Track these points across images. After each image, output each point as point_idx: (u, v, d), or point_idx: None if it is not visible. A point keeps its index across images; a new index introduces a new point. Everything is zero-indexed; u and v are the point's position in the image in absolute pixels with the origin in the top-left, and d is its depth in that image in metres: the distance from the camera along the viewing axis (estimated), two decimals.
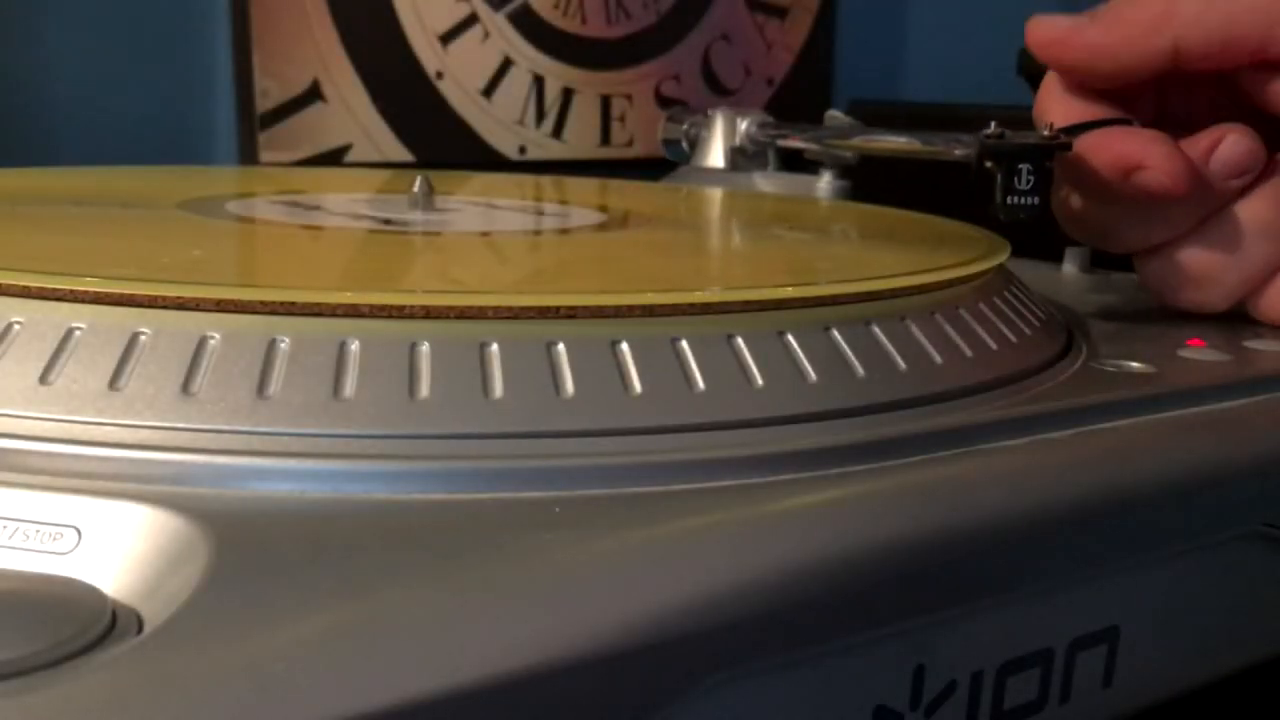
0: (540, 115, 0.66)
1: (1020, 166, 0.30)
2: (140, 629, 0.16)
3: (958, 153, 0.36)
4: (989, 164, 0.30)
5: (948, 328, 0.26)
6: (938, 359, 0.25)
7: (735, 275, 0.32)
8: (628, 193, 0.46)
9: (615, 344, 0.22)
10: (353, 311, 0.21)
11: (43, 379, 0.20)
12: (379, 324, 0.21)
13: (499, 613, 0.16)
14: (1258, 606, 0.26)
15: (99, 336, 0.20)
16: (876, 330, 0.24)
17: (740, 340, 0.22)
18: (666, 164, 0.57)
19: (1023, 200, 0.30)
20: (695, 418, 0.21)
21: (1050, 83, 0.34)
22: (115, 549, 0.17)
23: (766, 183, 0.53)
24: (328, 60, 0.60)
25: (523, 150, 0.66)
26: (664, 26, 0.68)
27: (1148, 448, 0.24)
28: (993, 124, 0.31)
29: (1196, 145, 0.31)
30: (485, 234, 0.34)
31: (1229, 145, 0.31)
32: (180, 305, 0.21)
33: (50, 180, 0.40)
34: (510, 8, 0.64)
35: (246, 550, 0.17)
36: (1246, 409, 0.27)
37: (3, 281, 0.21)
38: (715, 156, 0.54)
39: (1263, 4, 0.30)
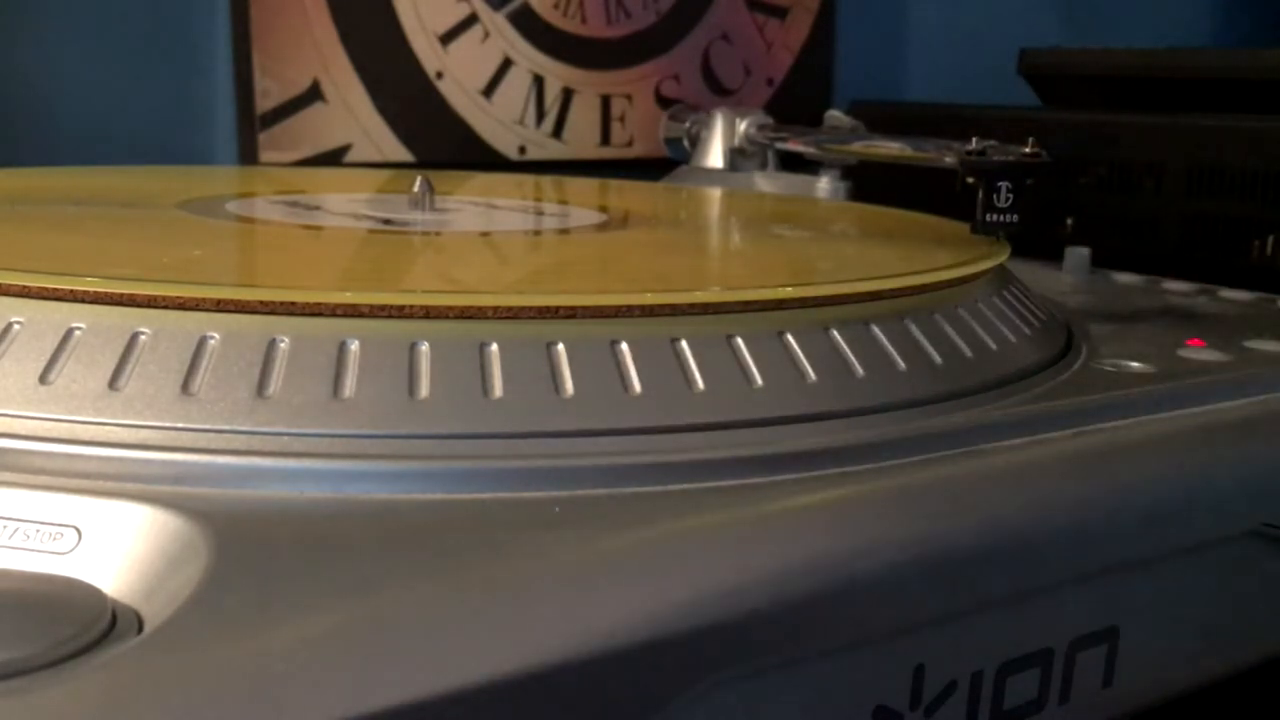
0: (540, 115, 0.66)
1: (1000, 184, 0.30)
2: (140, 629, 0.16)
3: (948, 160, 0.36)
4: (970, 180, 0.30)
5: (948, 328, 0.26)
6: (937, 359, 0.25)
7: (735, 275, 0.32)
8: (628, 193, 0.46)
9: (615, 344, 0.22)
10: (353, 311, 0.21)
11: (43, 379, 0.20)
12: (379, 324, 0.21)
13: (499, 613, 0.16)
14: (1258, 606, 0.26)
15: (99, 336, 0.20)
16: (876, 330, 0.24)
17: (740, 340, 0.22)
18: (666, 164, 0.57)
19: (1001, 218, 0.30)
20: (695, 418, 0.21)
21: None
22: (115, 549, 0.17)
23: (766, 183, 0.53)
24: (328, 60, 0.60)
25: (523, 150, 0.65)
26: (664, 26, 0.68)
27: (1148, 448, 0.24)
28: (974, 140, 0.31)
29: None
30: (485, 234, 0.34)
31: None
32: (180, 305, 0.21)
33: (50, 180, 0.40)
34: (510, 8, 0.64)
35: (246, 550, 0.17)
36: (1246, 409, 0.27)
37: (3, 281, 0.21)
38: (715, 157, 0.54)
39: None
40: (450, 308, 0.21)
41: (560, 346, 0.21)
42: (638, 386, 0.21)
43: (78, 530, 0.18)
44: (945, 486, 0.21)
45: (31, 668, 0.14)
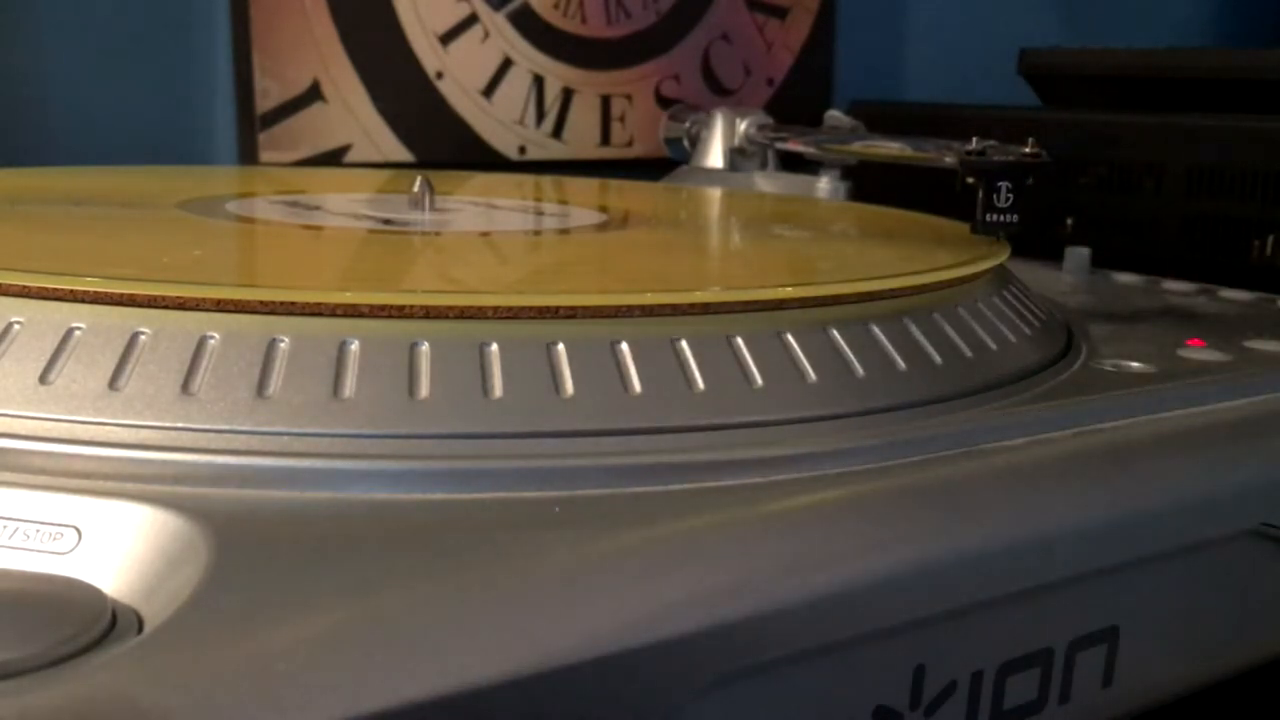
0: (540, 115, 0.66)
1: (1000, 184, 0.30)
2: (140, 629, 0.16)
3: (948, 160, 0.36)
4: (970, 180, 0.30)
5: (947, 328, 0.26)
6: (937, 359, 0.25)
7: (735, 275, 0.32)
8: (628, 193, 0.46)
9: (615, 344, 0.22)
10: (353, 311, 0.21)
11: (43, 379, 0.20)
12: (379, 324, 0.21)
13: (499, 613, 0.16)
14: (1258, 606, 0.26)
15: (99, 336, 0.20)
16: (876, 330, 0.24)
17: (740, 340, 0.22)
18: (666, 164, 0.57)
19: (1001, 218, 0.30)
20: (695, 418, 0.21)
21: None
22: (115, 549, 0.17)
23: (766, 183, 0.53)
24: (328, 60, 0.60)
25: (523, 150, 0.65)
26: (664, 26, 0.68)
27: (1147, 448, 0.24)
28: (975, 139, 0.31)
29: None
30: (485, 234, 0.34)
31: None
32: (180, 305, 0.21)
33: (50, 180, 0.40)
34: (510, 8, 0.64)
35: (246, 550, 0.17)
36: (1246, 409, 0.27)
37: (3, 281, 0.21)
38: (715, 157, 0.54)
39: None
40: (450, 308, 0.21)
41: (560, 346, 0.21)
42: (638, 386, 0.21)
43: (78, 530, 0.18)
44: (945, 486, 0.21)
45: (31, 668, 0.14)
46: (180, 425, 0.20)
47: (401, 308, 0.21)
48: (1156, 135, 0.50)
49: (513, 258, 0.31)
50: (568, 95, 0.66)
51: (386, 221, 0.34)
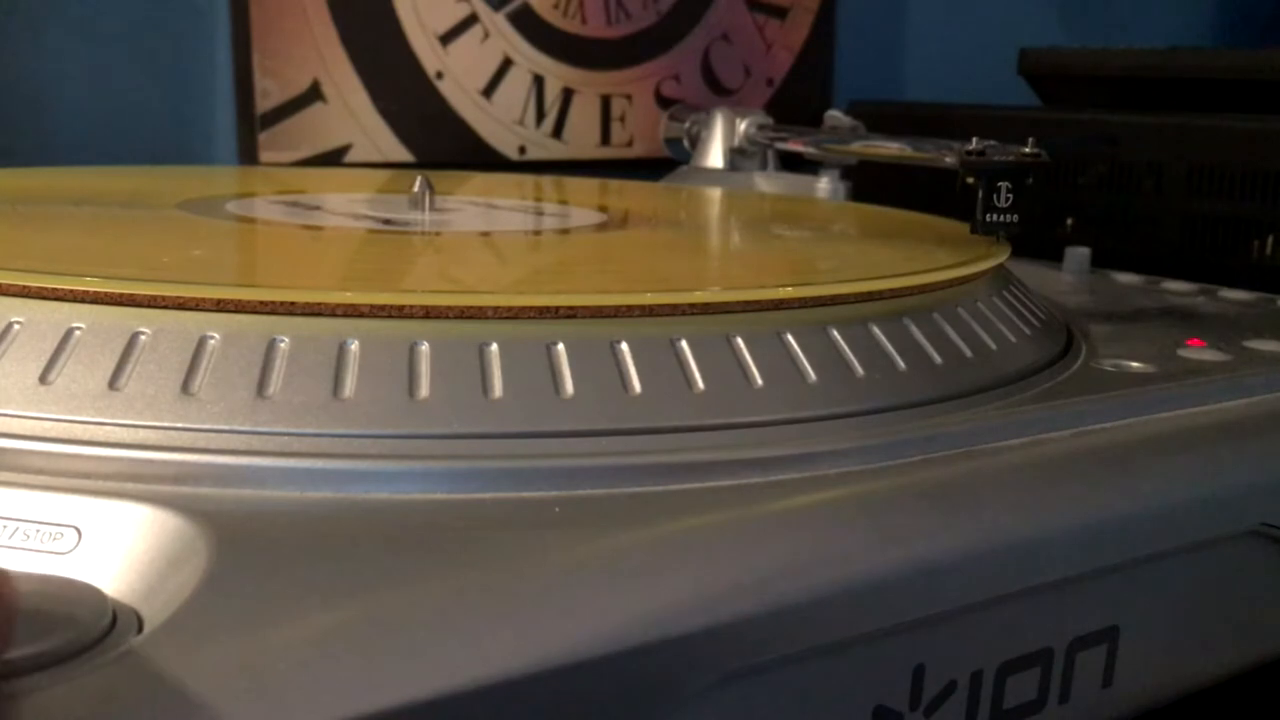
0: (540, 115, 0.66)
1: (1000, 184, 0.30)
2: (140, 629, 0.16)
3: (948, 160, 0.37)
4: (970, 180, 0.30)
5: (947, 328, 0.26)
6: (937, 359, 0.25)
7: (735, 275, 0.32)
8: (628, 193, 0.46)
9: (615, 344, 0.22)
10: (353, 311, 0.21)
11: (43, 379, 0.20)
12: (379, 324, 0.21)
13: (499, 613, 0.16)
14: (1258, 606, 0.26)
15: (99, 336, 0.20)
16: (876, 330, 0.24)
17: (740, 340, 0.22)
18: (666, 164, 0.57)
19: (1001, 218, 0.30)
20: (695, 418, 0.21)
21: None
22: (115, 549, 0.17)
23: (766, 183, 0.53)
24: (328, 60, 0.60)
25: (523, 150, 0.65)
26: (664, 26, 0.68)
27: (1147, 448, 0.24)
28: (974, 140, 0.31)
29: None
30: (485, 234, 0.34)
31: None
32: (180, 305, 0.21)
33: (50, 180, 0.40)
34: (510, 8, 0.64)
35: (246, 550, 0.17)
36: (1246, 409, 0.27)
37: (3, 281, 0.21)
38: (715, 157, 0.54)
39: None
40: (450, 308, 0.21)
41: (560, 346, 0.21)
42: (638, 386, 0.21)
43: (78, 530, 0.18)
44: (945, 486, 0.21)
45: (32, 668, 0.14)
46: (180, 425, 0.20)
47: (401, 308, 0.21)
48: (1156, 135, 0.50)
49: (512, 258, 0.31)
50: (568, 95, 0.66)
51: (386, 221, 0.34)
